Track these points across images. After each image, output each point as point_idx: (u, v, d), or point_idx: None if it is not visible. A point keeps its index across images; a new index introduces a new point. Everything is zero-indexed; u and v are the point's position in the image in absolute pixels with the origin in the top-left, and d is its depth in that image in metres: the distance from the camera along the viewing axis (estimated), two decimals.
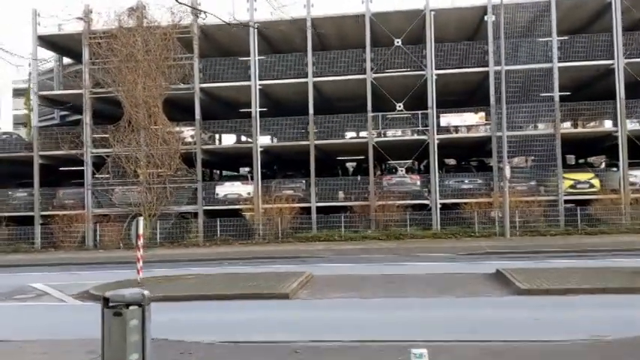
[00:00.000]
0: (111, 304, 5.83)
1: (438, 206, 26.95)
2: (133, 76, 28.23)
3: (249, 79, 28.33)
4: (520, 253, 19.63)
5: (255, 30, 28.02)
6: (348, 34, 28.96)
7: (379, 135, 28.69)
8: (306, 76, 28.01)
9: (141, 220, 13.96)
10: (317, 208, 27.68)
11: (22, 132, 40.76)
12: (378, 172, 30.82)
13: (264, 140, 30.30)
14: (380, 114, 28.13)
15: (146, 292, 5.84)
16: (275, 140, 31.27)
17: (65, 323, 10.11)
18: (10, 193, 29.93)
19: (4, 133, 33.95)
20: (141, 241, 13.91)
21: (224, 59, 28.83)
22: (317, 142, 28.19)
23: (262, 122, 28.77)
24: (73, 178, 30.44)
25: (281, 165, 34.21)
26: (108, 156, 28.45)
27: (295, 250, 22.93)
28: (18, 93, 48.35)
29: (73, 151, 28.69)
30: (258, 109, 28.39)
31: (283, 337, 8.46)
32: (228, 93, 29.55)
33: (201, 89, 28.57)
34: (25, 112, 41.18)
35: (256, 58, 28.28)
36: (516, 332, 8.50)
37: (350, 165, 38.34)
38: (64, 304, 12.23)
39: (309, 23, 27.60)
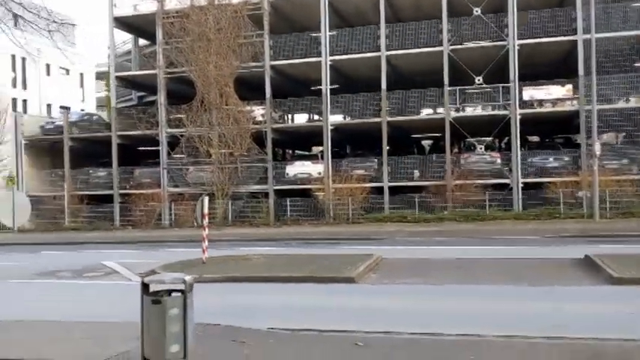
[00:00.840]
0: (151, 291, 5.39)
1: (520, 186, 25.42)
2: (205, 55, 28.21)
3: (320, 55, 27.66)
4: (611, 236, 18.00)
5: (327, 2, 27.34)
6: (423, 4, 27.59)
7: (457, 111, 27.29)
8: (379, 50, 26.99)
9: (206, 199, 13.69)
10: (389, 188, 26.83)
11: (105, 114, 42.16)
12: (455, 150, 29.48)
13: (335, 118, 29.64)
14: (457, 88, 26.77)
15: (188, 278, 5.33)
16: (347, 118, 30.54)
17: (124, 303, 9.95)
18: (91, 172, 30.97)
19: (86, 114, 35.18)
20: (206, 221, 13.66)
21: (294, 35, 28.32)
22: (390, 119, 27.23)
23: (333, 99, 28.10)
24: (150, 157, 31.07)
25: (352, 143, 33.49)
26: (182, 135, 28.73)
27: (366, 232, 22.25)
28: (101, 76, 50.07)
29: (149, 131, 29.20)
30: (329, 86, 27.73)
31: (344, 325, 7.83)
32: (298, 70, 29.04)
33: (272, 67, 28.20)
34: (107, 94, 42.53)
35: (327, 32, 27.54)
36: (609, 328, 7.44)
37: (426, 143, 37.01)
38: (129, 283, 12.15)
39: None
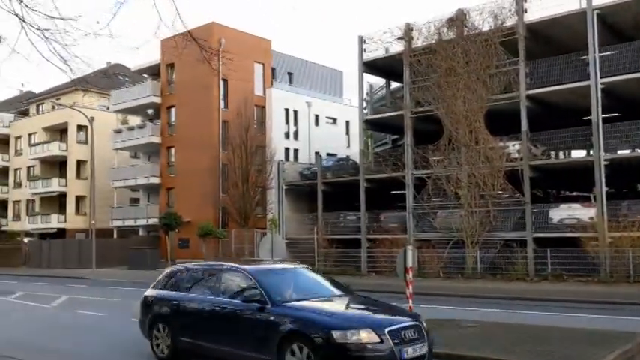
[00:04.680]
0: None
1: None
2: (453, 90, 26.25)
3: (588, 78, 23.19)
4: None
5: (595, 17, 23.08)
6: None
7: None
8: None
9: (409, 249, 11.38)
10: None
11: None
12: None
13: (622, 152, 24.48)
14: None
15: None
16: (637, 150, 24.88)
17: None
18: (341, 216, 31.02)
19: (340, 159, 35.75)
20: (409, 276, 11.31)
21: (555, 58, 24.42)
22: None
23: (607, 129, 23.15)
24: (398, 201, 29.82)
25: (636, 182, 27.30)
26: (428, 177, 26.86)
27: None
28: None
29: (394, 174, 28.11)
30: (601, 115, 22.98)
31: None
32: (561, 98, 24.84)
33: (528, 96, 24.68)
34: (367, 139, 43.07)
35: (596, 53, 23.03)
36: None
37: None
38: None
39: None
